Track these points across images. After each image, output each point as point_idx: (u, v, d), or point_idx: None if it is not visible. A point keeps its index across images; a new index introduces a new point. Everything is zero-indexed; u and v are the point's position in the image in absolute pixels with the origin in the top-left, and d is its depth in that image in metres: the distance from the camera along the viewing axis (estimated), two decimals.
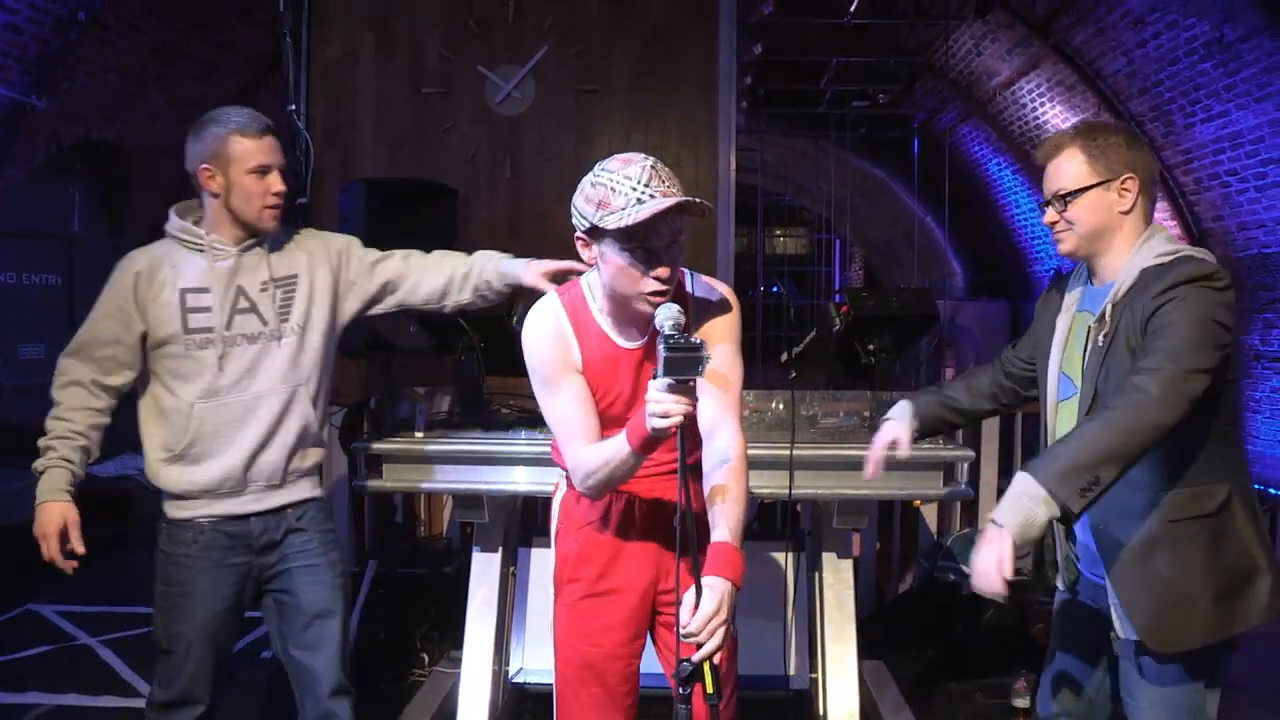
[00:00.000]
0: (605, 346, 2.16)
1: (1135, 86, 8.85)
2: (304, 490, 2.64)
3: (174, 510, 2.52)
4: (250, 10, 8.26)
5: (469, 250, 4.57)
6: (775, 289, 20.04)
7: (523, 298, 3.49)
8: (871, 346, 3.54)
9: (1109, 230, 2.10)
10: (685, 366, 1.86)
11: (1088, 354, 2.09)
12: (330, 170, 4.93)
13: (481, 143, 5.05)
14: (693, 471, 2.16)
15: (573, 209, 2.09)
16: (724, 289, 2.21)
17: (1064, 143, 2.14)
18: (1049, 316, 2.27)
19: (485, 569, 3.43)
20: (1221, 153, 8.39)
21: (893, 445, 2.41)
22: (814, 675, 3.47)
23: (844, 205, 14.65)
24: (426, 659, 4.22)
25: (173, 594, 2.50)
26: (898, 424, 2.42)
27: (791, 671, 3.41)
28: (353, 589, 4.33)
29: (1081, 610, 2.26)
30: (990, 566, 1.80)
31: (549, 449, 3.00)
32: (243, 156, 2.43)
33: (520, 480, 3.12)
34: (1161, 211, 9.55)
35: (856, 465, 3.00)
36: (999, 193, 12.60)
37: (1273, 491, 8.29)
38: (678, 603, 1.87)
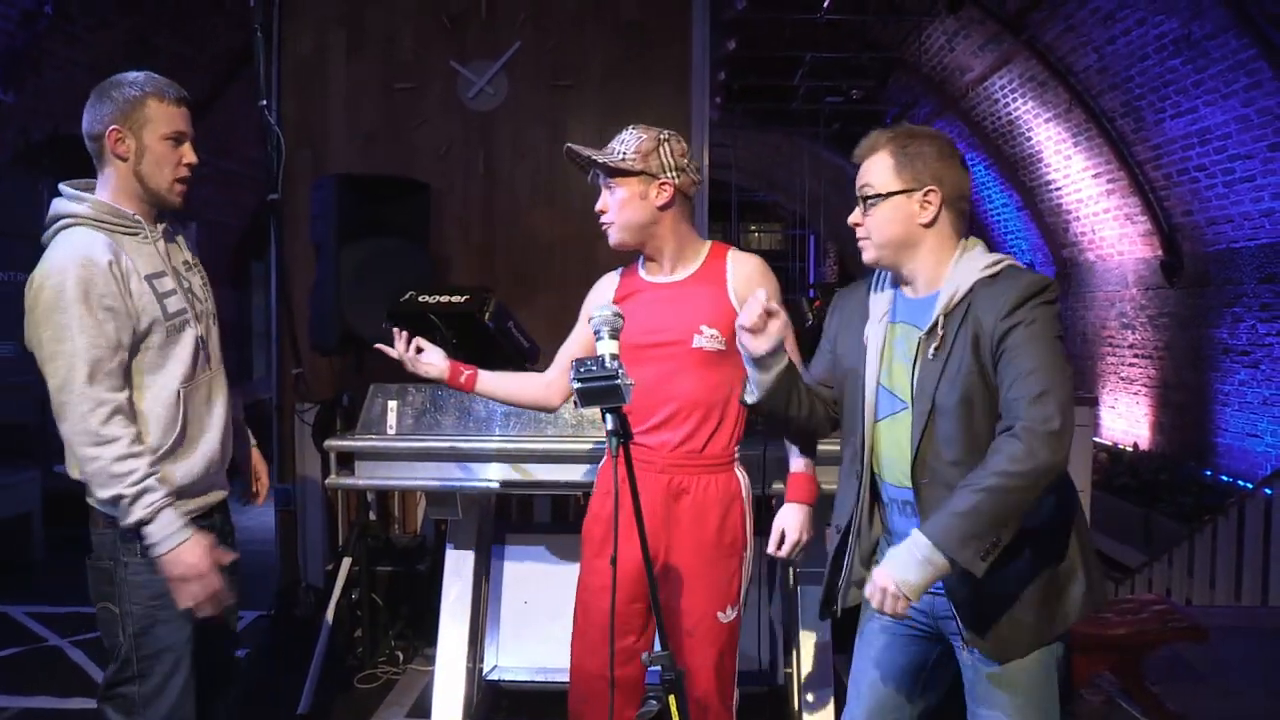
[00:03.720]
0: (636, 282, 2.61)
1: (1106, 82, 8.93)
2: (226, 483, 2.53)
3: None
4: (219, 5, 8.19)
5: (442, 248, 4.56)
6: None
7: (494, 293, 3.51)
8: None
9: (909, 242, 2.07)
10: (603, 395, 1.91)
11: (918, 367, 2.05)
12: (302, 166, 4.89)
13: (454, 138, 5.02)
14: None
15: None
16: (756, 257, 2.62)
17: (878, 144, 2.10)
18: (854, 328, 2.21)
19: (459, 566, 3.41)
20: (1190, 148, 8.48)
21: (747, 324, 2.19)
22: (789, 670, 3.48)
23: (818, 200, 14.69)
24: (400, 657, 4.21)
25: (155, 607, 2.26)
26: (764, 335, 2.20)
27: (766, 667, 3.41)
28: (326, 587, 4.31)
29: (898, 629, 2.21)
30: (889, 608, 1.90)
31: (523, 445, 3.01)
32: (159, 120, 2.25)
33: (494, 477, 3.11)
34: (1131, 207, 9.65)
35: (830, 460, 3.02)
36: (971, 188, 12.68)
37: (1242, 484, 8.39)
38: (614, 568, 2.10)
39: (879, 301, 2.18)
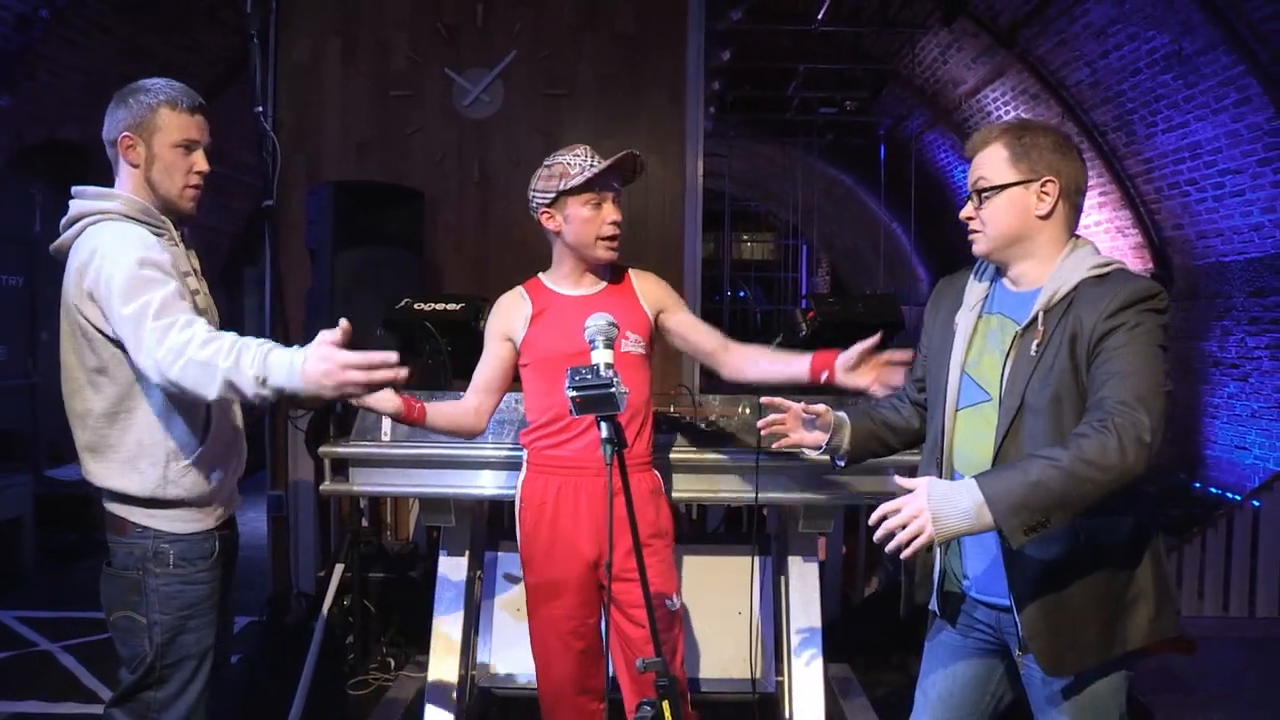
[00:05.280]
0: (554, 297, 2.70)
1: (1098, 96, 8.98)
2: None
3: (187, 523, 2.28)
4: (216, 11, 8.20)
5: (436, 255, 4.57)
6: (742, 294, 20.15)
7: (489, 301, 3.52)
8: None
9: (1025, 235, 2.03)
10: (598, 404, 1.96)
11: (1011, 361, 2.01)
12: (297, 173, 4.90)
13: (449, 146, 5.04)
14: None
15: (532, 196, 2.68)
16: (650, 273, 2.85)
17: (991, 137, 2.07)
18: (944, 315, 2.19)
19: (452, 573, 3.42)
20: (1181, 162, 8.53)
21: (810, 413, 2.34)
22: (780, 679, 3.49)
23: (811, 211, 14.74)
24: (393, 664, 4.21)
25: (185, 617, 2.27)
26: (833, 413, 2.34)
27: (758, 675, 3.42)
28: (318, 594, 4.31)
29: (967, 643, 2.19)
30: (905, 537, 1.82)
31: (516, 453, 3.02)
32: (169, 128, 2.28)
33: (487, 484, 3.12)
34: (1123, 220, 9.69)
35: (822, 470, 3.04)
36: (964, 199, 12.72)
37: (1230, 495, 8.42)
38: (608, 573, 2.21)
39: (975, 289, 2.15)
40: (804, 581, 3.39)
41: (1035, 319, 1.98)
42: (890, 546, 1.84)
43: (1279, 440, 8.31)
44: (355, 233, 4.22)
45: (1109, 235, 10.14)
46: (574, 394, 1.94)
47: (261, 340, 2.05)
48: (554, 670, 2.75)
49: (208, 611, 2.32)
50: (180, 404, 2.26)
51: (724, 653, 3.48)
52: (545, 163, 2.68)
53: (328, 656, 3.96)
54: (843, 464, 2.37)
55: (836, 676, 3.97)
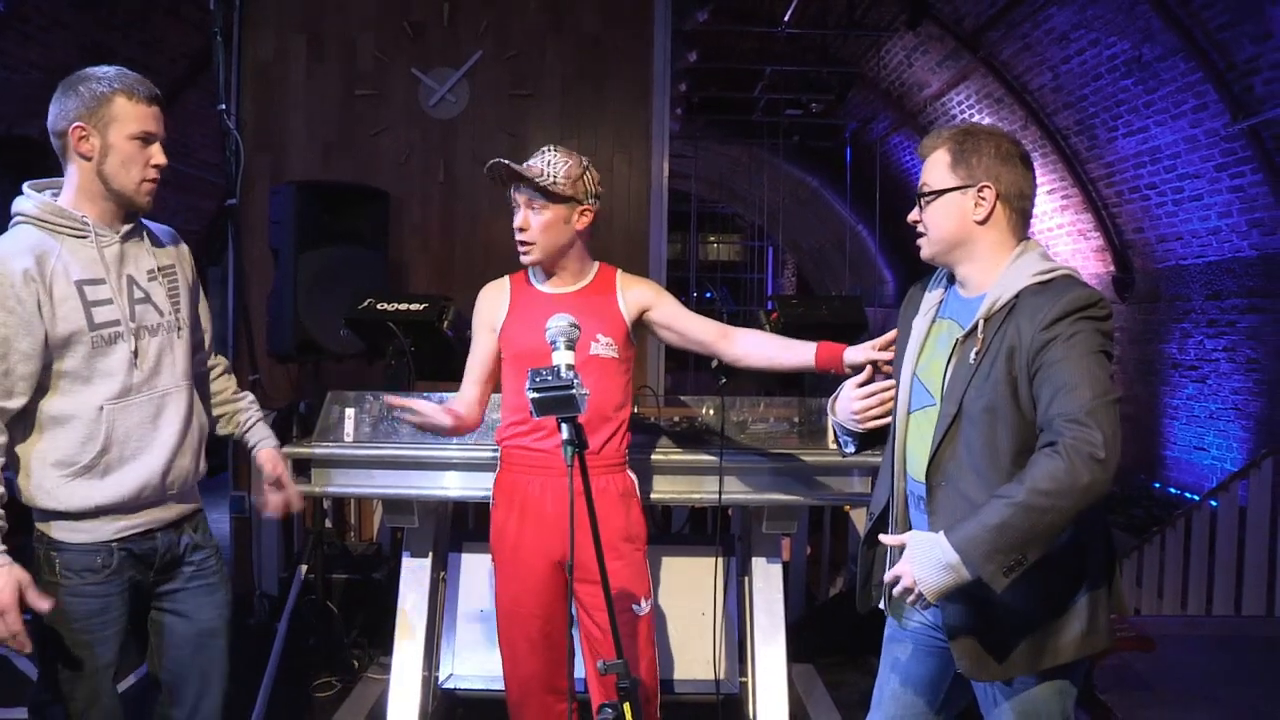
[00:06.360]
0: (530, 292, 2.70)
1: (1060, 101, 9.08)
2: (196, 499, 2.43)
3: (73, 533, 2.19)
4: (178, 8, 8.11)
5: (401, 255, 4.55)
6: (708, 295, 20.21)
7: (453, 302, 3.51)
8: None
9: (964, 240, 2.05)
10: (558, 405, 1.95)
11: (952, 367, 2.02)
12: (261, 172, 4.86)
13: (415, 146, 5.02)
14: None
15: None
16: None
17: (937, 142, 2.09)
18: (908, 320, 2.21)
19: (415, 574, 3.40)
20: (1142, 167, 8.64)
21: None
22: (744, 679, 3.50)
23: (777, 212, 14.79)
24: (356, 665, 4.18)
25: (77, 631, 2.18)
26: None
27: (721, 676, 3.43)
28: (281, 595, 4.28)
29: (918, 642, 2.20)
30: (909, 603, 1.92)
31: (479, 453, 3.01)
32: (126, 119, 2.15)
33: (451, 485, 3.11)
34: (1085, 223, 9.81)
35: (786, 471, 3.05)
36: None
37: (1189, 495, 8.55)
38: (570, 576, 2.25)
39: (932, 295, 2.17)
40: (768, 582, 3.41)
41: (975, 326, 1.99)
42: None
43: (1236, 441, 8.44)
44: (319, 232, 4.20)
45: (1071, 238, 10.25)
46: (533, 395, 1.94)
47: None
48: (521, 669, 2.73)
49: (101, 628, 2.21)
50: (69, 418, 2.17)
51: (688, 654, 3.49)
52: None
53: (291, 658, 3.93)
54: (851, 452, 2.38)
55: (800, 677, 3.99)
